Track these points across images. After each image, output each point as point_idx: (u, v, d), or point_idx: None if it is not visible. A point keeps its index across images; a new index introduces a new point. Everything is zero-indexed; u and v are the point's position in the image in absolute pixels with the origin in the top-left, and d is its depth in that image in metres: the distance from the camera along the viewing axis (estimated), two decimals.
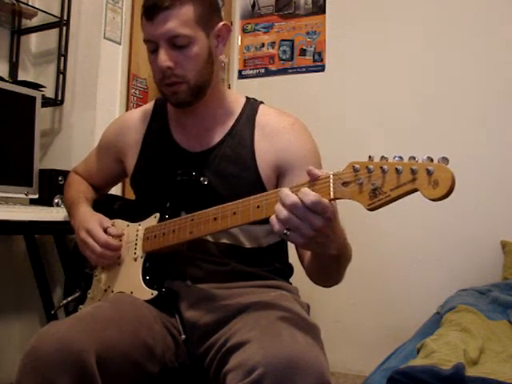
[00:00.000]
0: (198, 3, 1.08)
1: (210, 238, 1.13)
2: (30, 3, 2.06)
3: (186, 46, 1.07)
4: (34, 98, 1.88)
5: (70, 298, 1.26)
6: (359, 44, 2.57)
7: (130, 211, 1.24)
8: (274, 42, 2.80)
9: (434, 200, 0.70)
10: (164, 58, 1.06)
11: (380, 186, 0.74)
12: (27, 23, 2.09)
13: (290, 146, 1.12)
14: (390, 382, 1.01)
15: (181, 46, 1.07)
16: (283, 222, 0.79)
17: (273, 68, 2.80)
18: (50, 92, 2.04)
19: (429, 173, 0.69)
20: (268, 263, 1.19)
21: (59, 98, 2.06)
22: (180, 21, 1.05)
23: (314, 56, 2.69)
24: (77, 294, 1.25)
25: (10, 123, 1.83)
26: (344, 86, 2.59)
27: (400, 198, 0.73)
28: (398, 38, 2.50)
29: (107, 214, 1.23)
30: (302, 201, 0.78)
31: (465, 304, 1.64)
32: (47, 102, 2.02)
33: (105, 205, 1.31)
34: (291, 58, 2.75)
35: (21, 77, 2.09)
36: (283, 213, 0.79)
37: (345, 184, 0.78)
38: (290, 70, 2.75)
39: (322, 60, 2.67)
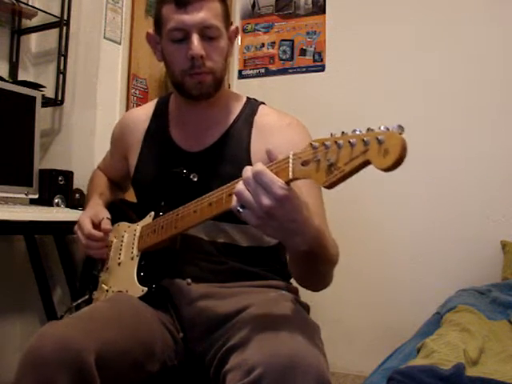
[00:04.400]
0: (223, 2, 1.12)
1: (205, 237, 1.14)
2: (30, 3, 2.06)
3: (216, 38, 1.09)
4: (34, 98, 1.88)
5: (79, 301, 1.27)
6: (359, 44, 2.58)
7: (134, 213, 1.25)
8: (274, 42, 2.80)
9: (384, 170, 0.67)
10: (199, 46, 1.06)
11: (335, 161, 0.71)
12: (27, 23, 2.09)
13: (283, 144, 1.11)
14: (390, 382, 1.01)
15: (210, 38, 1.08)
16: (237, 195, 0.79)
17: (273, 68, 2.80)
18: (50, 92, 2.04)
19: (379, 142, 0.66)
20: (267, 263, 1.18)
21: (59, 98, 2.06)
22: (212, 12, 1.07)
23: (314, 56, 2.69)
24: (86, 297, 1.26)
25: (10, 123, 1.83)
26: (344, 86, 2.59)
27: (355, 172, 0.70)
28: (399, 38, 2.50)
29: (114, 217, 1.24)
30: (251, 172, 0.78)
31: (465, 304, 1.64)
32: (47, 102, 2.02)
33: (111, 208, 1.31)
34: (291, 58, 2.75)
35: (21, 77, 2.09)
36: (239, 186, 0.79)
37: (304, 163, 0.76)
38: (290, 70, 2.75)
39: (322, 60, 2.67)
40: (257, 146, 1.14)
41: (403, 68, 2.48)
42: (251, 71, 2.85)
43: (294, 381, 0.80)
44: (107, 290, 1.18)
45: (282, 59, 2.78)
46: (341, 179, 0.71)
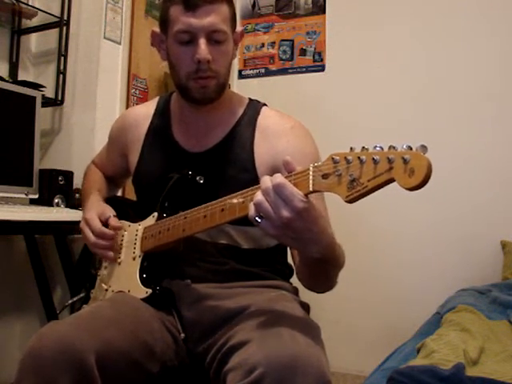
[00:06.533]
0: (231, 5, 1.11)
1: (207, 239, 1.13)
2: (30, 3, 2.06)
3: (222, 42, 1.09)
4: (34, 98, 1.88)
5: (75, 299, 1.27)
6: (359, 44, 2.58)
7: (133, 212, 1.24)
8: (274, 42, 2.80)
9: (409, 189, 0.68)
10: (206, 50, 1.06)
11: (357, 177, 0.72)
12: (27, 23, 2.10)
13: (288, 148, 1.12)
14: (390, 382, 1.01)
15: (217, 42, 1.08)
16: (256, 206, 0.79)
17: (273, 68, 2.80)
18: (50, 92, 2.04)
19: (405, 161, 0.67)
20: (268, 264, 1.18)
21: (59, 98, 2.06)
22: (221, 17, 1.07)
23: (314, 56, 2.69)
24: (82, 295, 1.26)
25: (10, 123, 1.83)
26: (344, 86, 2.59)
27: (378, 189, 0.72)
28: (399, 38, 2.50)
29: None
30: (271, 183, 0.78)
31: (465, 304, 1.64)
32: (47, 102, 2.03)
33: (112, 204, 1.31)
34: (291, 58, 2.75)
35: (21, 77, 2.10)
36: (258, 196, 0.79)
37: (324, 176, 0.76)
38: (290, 70, 2.75)
39: (322, 60, 2.67)
40: (260, 148, 1.14)
41: (403, 68, 2.48)
42: (251, 71, 2.85)
43: (294, 381, 0.80)
44: (106, 290, 1.18)
45: (281, 59, 2.78)
46: (363, 195, 0.72)
